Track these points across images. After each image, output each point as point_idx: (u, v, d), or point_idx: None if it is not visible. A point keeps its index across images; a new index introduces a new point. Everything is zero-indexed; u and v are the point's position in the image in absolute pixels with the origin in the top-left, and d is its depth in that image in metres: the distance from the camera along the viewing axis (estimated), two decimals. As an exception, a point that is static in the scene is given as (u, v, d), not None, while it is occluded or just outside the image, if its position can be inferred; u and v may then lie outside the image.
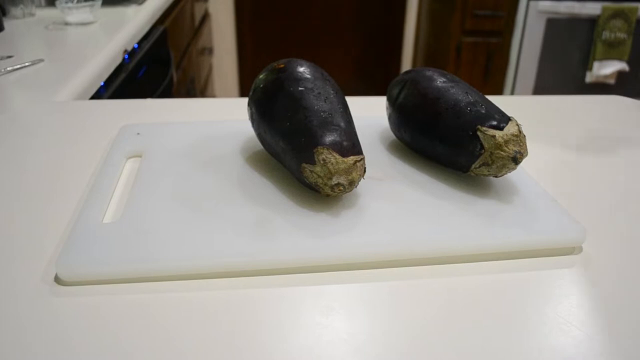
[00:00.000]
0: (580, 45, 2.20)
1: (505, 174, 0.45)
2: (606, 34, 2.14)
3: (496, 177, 0.46)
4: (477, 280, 0.38)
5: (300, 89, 0.46)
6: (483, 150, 0.44)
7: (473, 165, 0.45)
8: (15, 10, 1.31)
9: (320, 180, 0.42)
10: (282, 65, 0.49)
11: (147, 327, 0.33)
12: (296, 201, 0.44)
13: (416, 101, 0.50)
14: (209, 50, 2.51)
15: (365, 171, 0.43)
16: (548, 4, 2.12)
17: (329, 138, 0.42)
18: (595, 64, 2.20)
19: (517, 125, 0.45)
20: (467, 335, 0.33)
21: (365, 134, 0.57)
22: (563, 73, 2.26)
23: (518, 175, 0.48)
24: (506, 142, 0.44)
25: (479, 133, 0.44)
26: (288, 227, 0.41)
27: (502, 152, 0.44)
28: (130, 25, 1.23)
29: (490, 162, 0.44)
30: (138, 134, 0.57)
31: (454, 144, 0.47)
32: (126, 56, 1.14)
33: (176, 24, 1.69)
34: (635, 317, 0.35)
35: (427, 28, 2.60)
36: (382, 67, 2.91)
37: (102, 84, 0.97)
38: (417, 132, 0.51)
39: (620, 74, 2.23)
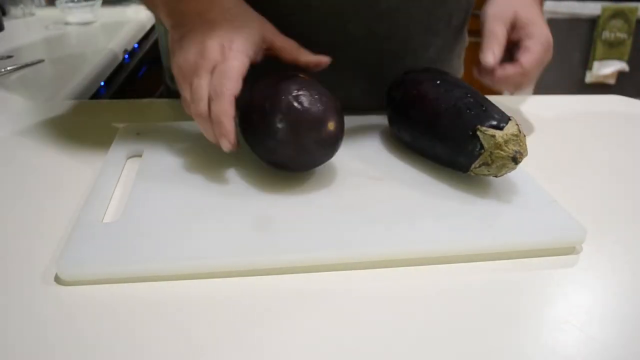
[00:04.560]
0: (580, 45, 2.20)
1: (505, 173, 0.45)
2: (606, 34, 2.14)
3: (496, 177, 0.46)
4: (477, 280, 0.38)
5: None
6: (483, 150, 0.44)
7: (473, 165, 0.45)
8: (15, 10, 1.31)
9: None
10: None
11: (146, 326, 0.33)
12: (297, 201, 0.44)
13: (416, 101, 0.50)
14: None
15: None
16: (548, 3, 2.11)
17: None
18: (595, 64, 2.19)
19: (517, 125, 0.45)
20: (467, 335, 0.33)
21: (365, 134, 0.57)
22: (563, 73, 2.26)
23: (518, 175, 0.48)
24: (506, 141, 0.44)
25: (478, 133, 0.44)
26: (288, 226, 0.41)
27: (501, 152, 0.44)
28: (130, 25, 1.23)
29: (490, 162, 0.44)
30: (138, 134, 0.57)
31: (453, 144, 0.47)
32: (126, 56, 1.14)
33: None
34: (636, 316, 0.35)
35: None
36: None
37: (102, 84, 0.97)
38: (417, 132, 0.51)
39: (620, 74, 2.23)
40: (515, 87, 0.58)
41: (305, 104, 0.44)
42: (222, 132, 0.44)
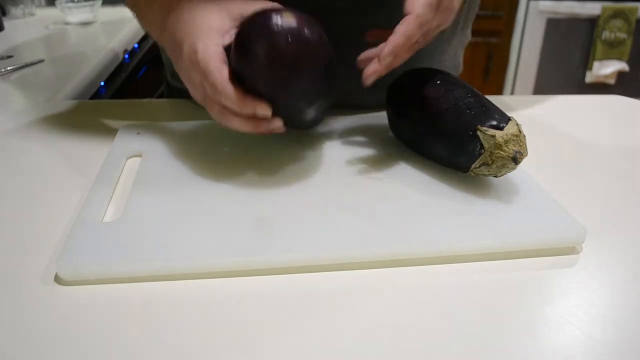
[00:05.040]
0: (580, 45, 2.20)
1: (505, 174, 0.45)
2: (606, 34, 2.14)
3: (496, 177, 0.46)
4: (477, 280, 0.38)
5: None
6: (483, 150, 0.44)
7: (473, 165, 0.45)
8: (15, 10, 1.31)
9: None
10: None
11: (146, 326, 0.33)
12: (295, 201, 0.44)
13: (416, 101, 0.50)
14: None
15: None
16: (548, 4, 2.11)
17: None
18: (595, 64, 2.19)
19: (517, 125, 0.45)
20: (467, 335, 0.33)
21: (365, 134, 0.57)
22: (563, 73, 2.26)
23: (518, 175, 0.48)
24: (506, 142, 0.44)
25: (479, 133, 0.44)
26: (287, 226, 0.41)
27: (502, 152, 0.44)
28: (130, 25, 1.23)
29: (490, 162, 0.44)
30: (138, 133, 0.57)
31: (454, 144, 0.47)
32: (126, 56, 1.14)
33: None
34: (636, 316, 0.35)
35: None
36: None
37: (102, 84, 0.97)
38: (417, 132, 0.51)
39: (620, 74, 2.23)
40: (409, 50, 0.48)
41: (248, 23, 0.43)
42: (252, 110, 0.45)
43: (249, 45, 0.42)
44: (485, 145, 0.44)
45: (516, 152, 0.43)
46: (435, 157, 0.50)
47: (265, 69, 0.42)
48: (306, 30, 0.42)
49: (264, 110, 0.45)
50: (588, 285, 0.38)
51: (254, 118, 0.46)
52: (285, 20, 0.41)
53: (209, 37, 0.46)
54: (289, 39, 0.41)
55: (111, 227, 0.41)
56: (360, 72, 0.61)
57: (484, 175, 0.46)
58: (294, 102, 0.46)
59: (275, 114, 0.45)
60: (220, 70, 0.44)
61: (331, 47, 0.45)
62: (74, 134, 0.61)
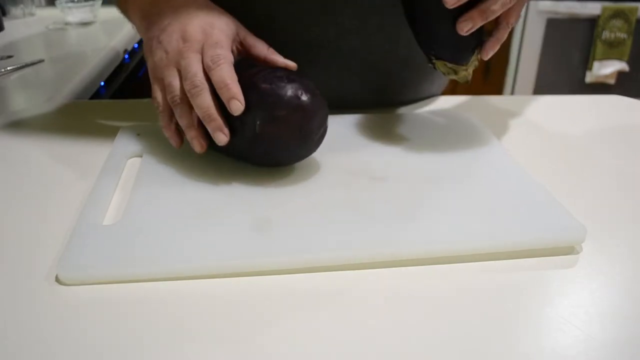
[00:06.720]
0: (580, 45, 2.20)
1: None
2: (606, 34, 2.14)
3: (443, 74, 0.52)
4: (477, 280, 0.38)
5: None
6: (466, 64, 0.51)
7: (445, 63, 0.51)
8: (15, 10, 1.31)
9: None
10: None
11: (147, 328, 0.33)
12: (296, 202, 0.44)
13: None
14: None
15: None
16: (548, 4, 2.11)
17: None
18: (595, 64, 2.19)
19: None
20: (467, 335, 0.33)
21: (366, 134, 0.57)
22: (563, 73, 2.26)
23: (518, 174, 0.48)
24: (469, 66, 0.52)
25: (476, 51, 0.51)
26: (287, 227, 0.41)
27: (467, 73, 0.52)
28: (130, 25, 1.23)
29: (456, 72, 0.51)
30: (138, 134, 0.57)
31: (459, 43, 0.49)
32: (126, 56, 1.14)
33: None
34: (636, 316, 0.35)
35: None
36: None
37: (102, 84, 0.97)
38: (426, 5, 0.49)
39: (620, 74, 2.23)
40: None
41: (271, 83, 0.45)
42: (230, 94, 0.44)
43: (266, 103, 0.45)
44: (468, 64, 0.51)
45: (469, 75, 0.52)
46: (423, 32, 0.51)
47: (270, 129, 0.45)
48: (319, 110, 0.46)
49: (242, 105, 0.44)
50: (588, 285, 0.38)
51: (197, 128, 0.46)
52: (305, 96, 0.45)
53: (228, 29, 0.47)
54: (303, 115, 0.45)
55: (112, 230, 0.41)
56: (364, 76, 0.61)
57: (439, 69, 0.52)
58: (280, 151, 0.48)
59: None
60: (230, 52, 0.45)
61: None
62: (74, 134, 0.61)
